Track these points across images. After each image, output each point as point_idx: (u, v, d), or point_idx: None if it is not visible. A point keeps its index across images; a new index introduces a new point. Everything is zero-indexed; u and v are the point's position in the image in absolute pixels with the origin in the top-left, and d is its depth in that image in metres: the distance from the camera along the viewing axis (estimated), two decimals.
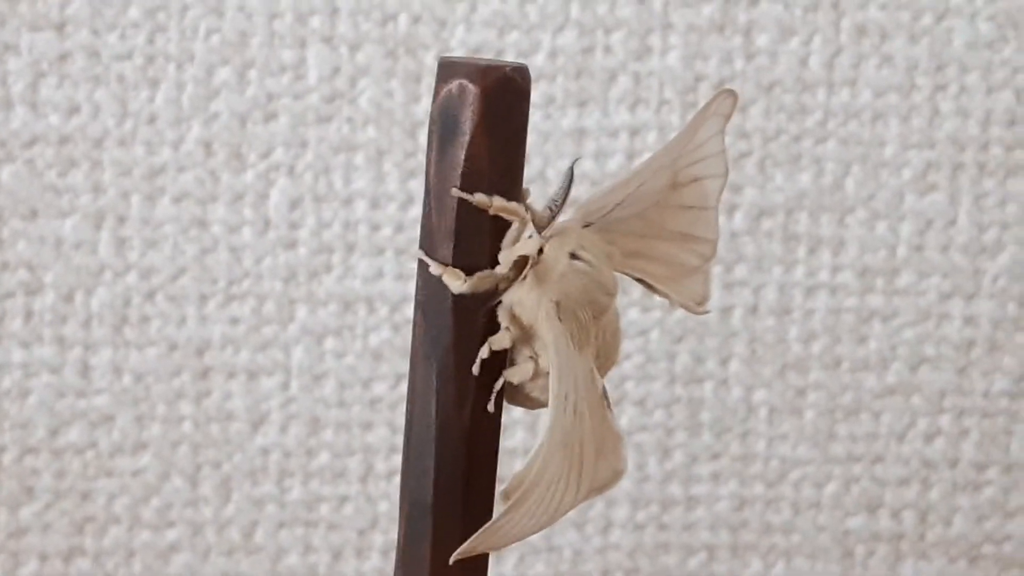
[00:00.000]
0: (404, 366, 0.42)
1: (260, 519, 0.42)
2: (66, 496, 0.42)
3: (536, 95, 0.40)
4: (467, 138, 0.23)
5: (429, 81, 0.40)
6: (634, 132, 0.41)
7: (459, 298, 0.24)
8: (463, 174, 0.24)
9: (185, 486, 0.42)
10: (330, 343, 0.41)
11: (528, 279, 0.23)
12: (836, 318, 0.42)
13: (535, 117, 0.41)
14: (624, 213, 0.24)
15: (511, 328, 0.24)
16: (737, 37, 0.41)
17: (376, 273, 0.41)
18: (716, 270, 0.41)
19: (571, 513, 0.24)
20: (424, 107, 0.40)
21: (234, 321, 0.41)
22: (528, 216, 0.24)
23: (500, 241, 0.24)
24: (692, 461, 0.43)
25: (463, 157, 0.23)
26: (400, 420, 0.42)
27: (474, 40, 0.40)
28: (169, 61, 0.40)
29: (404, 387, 0.42)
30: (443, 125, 0.23)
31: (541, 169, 0.41)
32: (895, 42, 0.41)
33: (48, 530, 0.42)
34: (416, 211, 0.41)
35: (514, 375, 0.24)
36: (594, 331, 0.24)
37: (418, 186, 0.41)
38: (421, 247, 0.24)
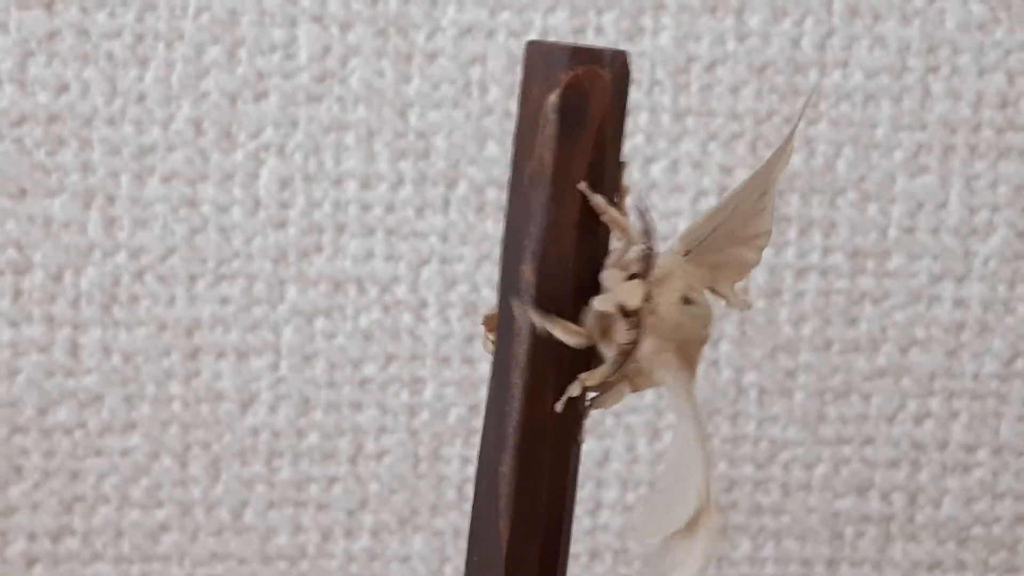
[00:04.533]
0: (394, 346, 0.42)
1: (249, 499, 0.42)
2: (55, 476, 0.42)
3: None
4: (596, 127, 0.22)
5: (420, 61, 0.40)
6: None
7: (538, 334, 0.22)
8: (590, 165, 0.22)
9: (174, 466, 0.42)
10: (320, 323, 0.41)
11: (625, 326, 0.22)
12: (826, 300, 0.42)
13: None
14: (717, 234, 0.24)
15: (615, 364, 0.23)
16: (729, 18, 0.40)
17: (366, 253, 0.41)
18: None
19: None
20: (415, 87, 0.40)
21: (224, 301, 0.41)
22: (634, 236, 0.22)
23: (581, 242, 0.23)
24: None
25: (590, 147, 0.22)
26: (389, 400, 0.42)
27: (465, 19, 0.40)
28: (158, 40, 0.40)
29: (394, 367, 0.42)
30: (567, 113, 0.22)
31: None
32: (887, 23, 0.41)
33: (37, 509, 0.42)
34: (406, 192, 0.41)
35: (607, 401, 0.23)
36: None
37: (409, 166, 0.41)
38: (508, 255, 0.23)
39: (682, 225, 0.41)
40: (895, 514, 0.43)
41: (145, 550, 0.42)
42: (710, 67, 0.41)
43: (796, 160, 0.41)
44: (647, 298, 0.22)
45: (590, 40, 0.40)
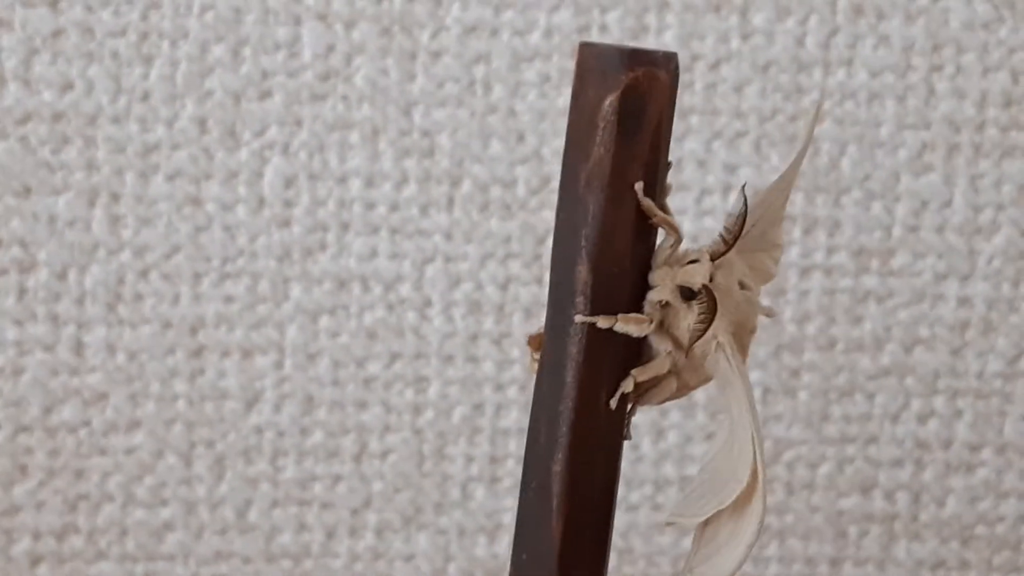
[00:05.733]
0: (398, 345, 0.42)
1: (254, 498, 0.42)
2: (59, 474, 0.42)
3: (532, 74, 0.40)
4: (653, 128, 0.22)
5: (424, 59, 0.40)
6: None
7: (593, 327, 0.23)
8: (646, 166, 0.22)
9: (179, 464, 0.42)
10: (324, 322, 0.41)
11: (695, 308, 0.23)
12: (831, 299, 0.42)
13: (531, 95, 0.41)
14: (751, 234, 0.24)
15: (672, 354, 0.23)
16: (733, 16, 0.40)
17: (371, 252, 0.41)
18: None
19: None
20: (419, 85, 0.40)
21: (228, 300, 0.41)
22: (682, 235, 0.23)
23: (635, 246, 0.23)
24: (686, 441, 0.43)
25: (647, 148, 0.22)
26: (393, 398, 0.42)
27: (470, 18, 0.40)
28: (163, 38, 0.40)
29: (398, 365, 0.42)
30: (627, 116, 0.22)
31: (536, 148, 0.41)
32: (891, 22, 0.41)
33: (42, 508, 0.42)
34: (410, 190, 0.41)
35: (655, 397, 0.24)
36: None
37: (413, 165, 0.41)
38: (561, 256, 0.23)
39: (687, 224, 0.41)
40: (899, 513, 0.43)
41: (149, 549, 0.42)
42: (714, 66, 0.41)
43: None
44: (711, 279, 0.23)
45: (594, 39, 0.40)
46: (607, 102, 0.22)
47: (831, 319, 0.42)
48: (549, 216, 0.41)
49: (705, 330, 0.23)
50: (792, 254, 0.42)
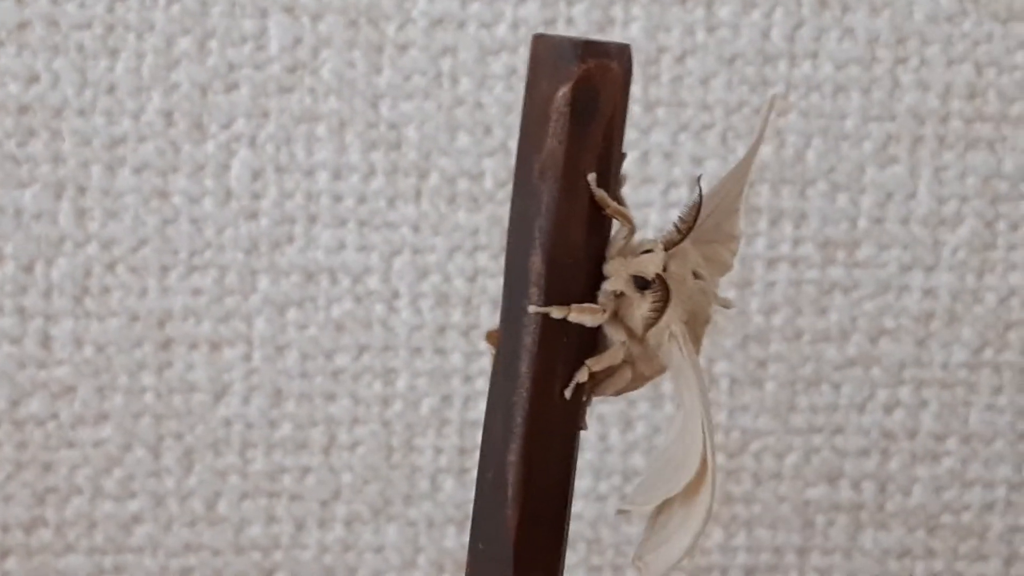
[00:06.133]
0: (366, 337, 0.42)
1: (223, 490, 0.42)
2: (27, 467, 0.42)
3: (498, 67, 0.40)
4: (606, 120, 0.22)
5: (391, 52, 0.40)
6: None
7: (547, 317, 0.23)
8: (599, 157, 0.22)
9: (147, 457, 0.42)
10: (292, 314, 0.41)
11: (648, 297, 0.23)
12: (797, 290, 0.42)
13: (497, 88, 0.41)
14: (707, 225, 0.24)
15: (627, 344, 0.23)
16: (699, 9, 0.41)
17: (338, 244, 0.41)
18: None
19: None
20: (386, 78, 0.40)
21: (196, 292, 0.41)
22: (635, 226, 0.23)
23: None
24: (654, 432, 0.43)
25: (600, 139, 0.22)
26: (362, 390, 0.42)
27: (437, 11, 0.40)
28: (129, 31, 0.40)
29: (366, 358, 0.42)
30: (579, 107, 0.22)
31: (503, 140, 0.41)
32: (856, 15, 0.41)
33: (9, 501, 0.42)
34: (377, 182, 0.41)
35: (609, 387, 0.24)
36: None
37: (380, 157, 0.41)
38: (516, 247, 0.23)
39: (653, 216, 0.41)
40: (865, 502, 0.44)
41: (118, 541, 0.42)
42: (680, 58, 0.41)
43: (766, 151, 0.41)
44: (664, 269, 0.23)
45: (561, 32, 0.40)
46: (560, 93, 0.22)
47: (797, 310, 0.42)
48: None
49: (658, 318, 0.23)
50: (758, 246, 0.42)
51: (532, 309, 0.23)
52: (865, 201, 0.42)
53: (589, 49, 0.22)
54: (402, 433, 0.42)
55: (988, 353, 0.43)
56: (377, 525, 0.43)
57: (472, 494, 0.43)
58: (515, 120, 0.41)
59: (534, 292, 0.23)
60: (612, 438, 0.43)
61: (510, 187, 0.41)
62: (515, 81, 0.41)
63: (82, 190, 0.40)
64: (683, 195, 0.41)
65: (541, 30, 0.40)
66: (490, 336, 0.24)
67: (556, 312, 0.23)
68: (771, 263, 0.42)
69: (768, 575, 0.44)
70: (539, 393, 0.23)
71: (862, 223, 0.42)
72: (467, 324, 0.42)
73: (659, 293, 0.23)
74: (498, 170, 0.41)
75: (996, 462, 0.43)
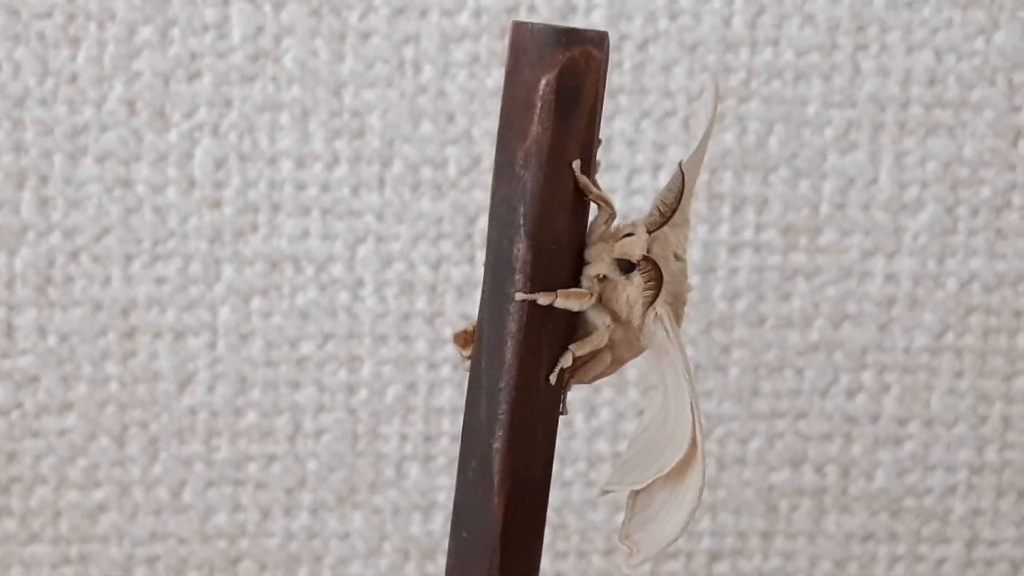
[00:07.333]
0: (331, 325, 0.42)
1: (188, 478, 0.42)
2: None
3: (461, 54, 0.40)
4: (589, 107, 0.22)
5: (353, 40, 0.40)
6: None
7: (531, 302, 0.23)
8: (583, 144, 0.23)
9: (112, 446, 0.42)
10: (256, 303, 0.41)
11: (637, 280, 0.23)
12: (760, 276, 0.42)
13: (460, 76, 0.41)
14: (681, 209, 0.25)
15: (612, 327, 0.24)
16: None
17: (302, 232, 0.41)
18: None
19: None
20: (349, 66, 0.40)
21: (160, 281, 0.41)
22: (615, 212, 0.23)
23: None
24: (618, 418, 0.43)
25: (584, 126, 0.22)
26: (327, 378, 0.42)
27: None
28: (90, 20, 0.40)
29: (331, 346, 0.42)
30: (564, 94, 0.22)
31: (467, 128, 0.41)
32: (816, 2, 0.41)
33: None
34: (341, 171, 0.41)
35: (589, 372, 0.24)
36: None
37: (344, 145, 0.41)
38: (498, 235, 0.23)
39: (618, 203, 0.42)
40: (828, 487, 0.44)
41: (84, 530, 0.42)
42: (642, 45, 0.41)
43: (728, 138, 0.42)
44: (647, 251, 0.23)
45: (523, 19, 0.40)
46: (544, 81, 0.22)
47: (760, 296, 0.43)
48: (480, 196, 0.41)
49: (655, 297, 0.23)
50: (721, 232, 0.42)
51: (519, 296, 0.23)
52: (827, 187, 0.42)
53: (572, 37, 0.22)
54: (367, 421, 0.42)
55: (949, 337, 0.43)
56: (343, 512, 0.43)
57: (438, 481, 0.43)
58: (478, 108, 0.41)
59: (519, 279, 0.23)
60: (577, 424, 0.43)
61: (474, 174, 0.41)
62: (477, 69, 0.41)
63: (44, 179, 0.40)
64: (646, 181, 0.42)
65: (503, 18, 0.40)
66: (458, 337, 0.24)
67: (543, 299, 0.23)
68: (734, 249, 0.42)
69: (733, 559, 0.44)
70: (524, 380, 0.23)
71: (824, 209, 0.42)
72: (432, 312, 0.42)
73: (651, 272, 0.23)
74: (461, 158, 0.41)
75: (958, 446, 0.44)
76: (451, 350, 0.42)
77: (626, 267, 0.23)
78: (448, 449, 0.43)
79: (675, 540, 0.24)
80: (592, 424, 0.43)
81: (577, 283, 0.24)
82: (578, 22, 0.41)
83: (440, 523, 0.43)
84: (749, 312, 0.43)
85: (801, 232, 0.42)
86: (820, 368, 0.43)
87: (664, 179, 0.42)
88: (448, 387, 0.42)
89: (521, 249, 0.23)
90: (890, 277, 0.43)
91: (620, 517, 0.43)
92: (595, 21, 0.41)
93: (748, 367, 0.43)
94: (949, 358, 0.43)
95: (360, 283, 0.41)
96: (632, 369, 0.43)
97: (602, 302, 0.24)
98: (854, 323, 0.43)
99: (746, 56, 0.41)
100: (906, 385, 0.43)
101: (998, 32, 0.41)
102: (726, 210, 0.42)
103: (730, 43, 0.41)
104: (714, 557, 0.44)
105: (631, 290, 0.23)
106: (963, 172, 0.42)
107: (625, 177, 0.41)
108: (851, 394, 0.43)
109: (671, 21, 0.41)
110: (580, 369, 0.24)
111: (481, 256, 0.41)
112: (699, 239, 0.42)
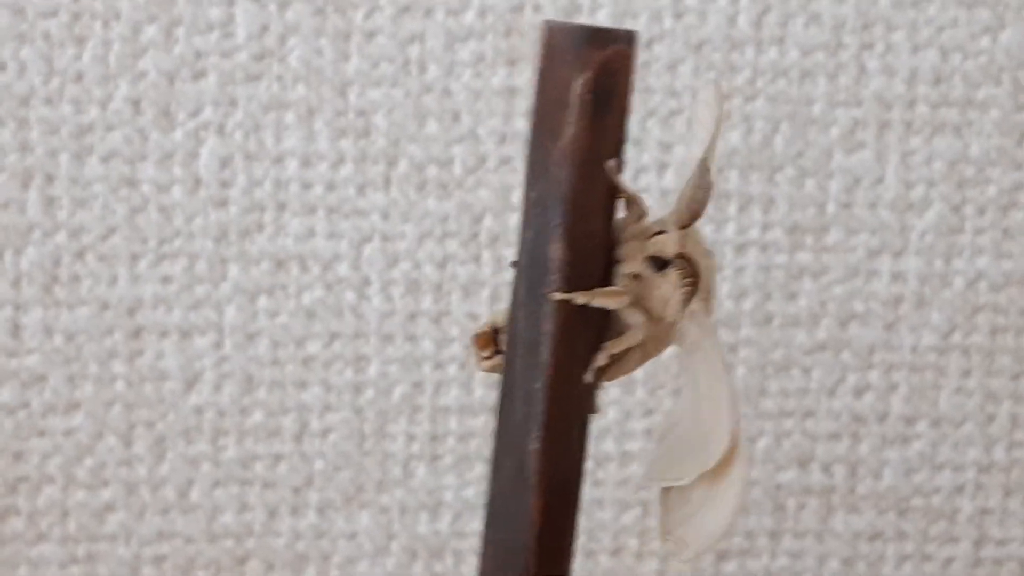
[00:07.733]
0: (337, 324, 0.42)
1: (195, 478, 0.42)
2: None
3: (466, 53, 0.40)
4: (622, 105, 0.23)
5: (358, 39, 0.40)
6: None
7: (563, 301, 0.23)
8: (616, 143, 0.23)
9: (119, 446, 0.42)
10: (263, 302, 0.41)
11: (673, 276, 0.23)
12: (766, 275, 0.42)
13: (466, 75, 0.41)
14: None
15: (646, 324, 0.24)
16: None
17: (308, 232, 0.41)
18: None
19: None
20: (354, 65, 0.40)
21: (166, 280, 0.41)
22: (646, 210, 0.23)
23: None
24: (626, 417, 0.43)
25: (617, 124, 0.23)
26: (333, 378, 0.42)
27: None
28: (95, 19, 0.40)
29: (337, 345, 0.42)
30: (599, 93, 0.22)
31: (472, 127, 0.41)
32: (822, 1, 0.41)
33: None
34: (346, 170, 0.41)
35: (619, 370, 0.24)
36: None
37: (349, 145, 0.41)
38: (532, 234, 0.23)
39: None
40: (836, 486, 0.44)
41: (91, 530, 0.42)
42: (648, 44, 0.41)
43: (734, 137, 0.42)
44: (682, 247, 0.23)
45: (528, 18, 0.40)
46: (579, 81, 0.22)
47: (767, 295, 0.43)
48: (486, 195, 0.41)
49: (692, 294, 0.23)
50: (728, 231, 0.42)
51: (557, 296, 0.23)
52: (833, 186, 0.42)
53: (604, 36, 0.22)
54: (374, 420, 0.42)
55: (957, 336, 0.43)
56: (350, 512, 0.43)
57: (445, 480, 0.43)
58: (483, 107, 0.41)
59: (555, 279, 0.23)
60: None
61: (479, 174, 0.41)
62: (483, 68, 0.41)
63: (50, 179, 0.40)
64: (652, 180, 0.42)
65: (508, 17, 0.40)
66: (478, 339, 0.24)
67: (581, 298, 0.23)
68: (740, 248, 0.42)
69: (740, 558, 0.44)
70: (561, 379, 0.23)
71: (830, 208, 0.42)
72: (438, 311, 0.42)
73: (687, 270, 0.23)
74: (467, 157, 0.41)
75: (966, 445, 0.44)
76: (457, 349, 0.42)
77: (660, 264, 0.24)
78: (455, 448, 0.43)
79: (724, 536, 0.24)
80: (600, 424, 0.43)
81: (609, 281, 0.24)
82: (583, 21, 0.41)
83: (447, 522, 0.43)
84: (756, 311, 0.43)
85: (807, 231, 0.42)
86: (827, 367, 0.43)
87: (670, 178, 0.42)
88: (455, 386, 0.42)
89: (557, 249, 0.23)
90: (897, 276, 0.43)
91: (627, 517, 0.43)
92: (600, 20, 0.41)
93: (755, 366, 0.43)
94: (956, 357, 0.43)
95: (366, 282, 0.41)
96: (639, 368, 0.43)
97: (636, 300, 0.24)
98: (861, 322, 0.43)
99: (751, 55, 0.41)
100: (913, 384, 0.43)
101: (1004, 31, 0.41)
102: (732, 209, 0.42)
103: (735, 42, 0.41)
104: (722, 556, 0.44)
105: (666, 287, 0.23)
106: (969, 171, 0.42)
107: (631, 176, 0.41)
108: (858, 393, 0.43)
109: (676, 20, 0.41)
110: (611, 368, 0.24)
111: (487, 255, 0.41)
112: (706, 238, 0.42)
